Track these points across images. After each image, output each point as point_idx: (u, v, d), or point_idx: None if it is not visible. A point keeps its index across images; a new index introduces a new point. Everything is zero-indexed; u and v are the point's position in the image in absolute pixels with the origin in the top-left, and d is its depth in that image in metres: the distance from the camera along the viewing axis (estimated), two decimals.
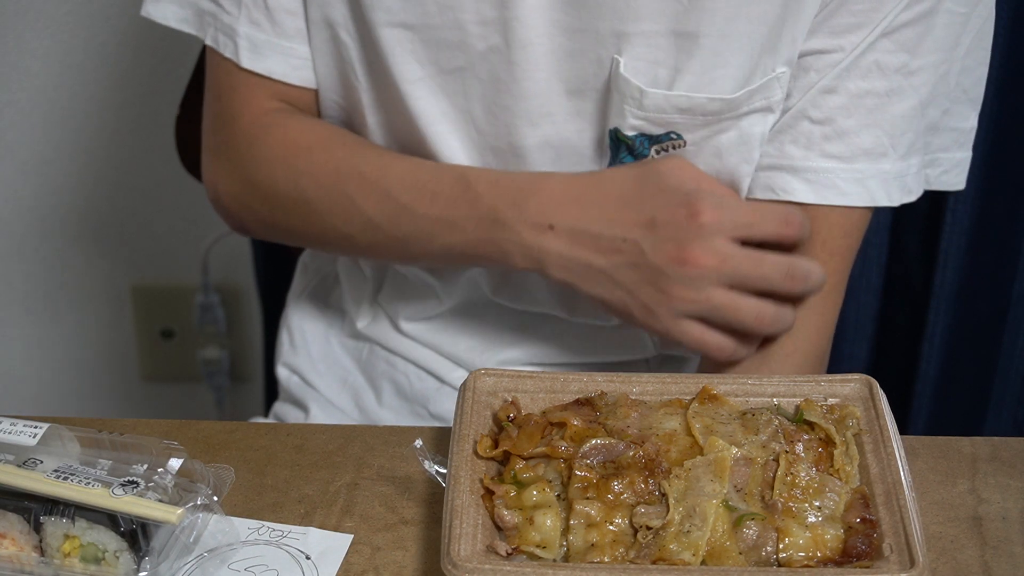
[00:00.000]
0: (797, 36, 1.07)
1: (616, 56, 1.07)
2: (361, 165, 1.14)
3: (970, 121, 1.17)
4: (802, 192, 1.11)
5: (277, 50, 1.16)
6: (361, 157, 1.15)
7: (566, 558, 0.84)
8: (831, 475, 0.87)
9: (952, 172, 1.18)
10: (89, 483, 0.86)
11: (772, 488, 0.86)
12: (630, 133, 1.09)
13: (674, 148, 1.10)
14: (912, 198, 1.14)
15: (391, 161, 1.14)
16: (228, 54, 1.17)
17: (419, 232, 1.12)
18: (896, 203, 1.13)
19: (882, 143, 1.10)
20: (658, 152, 1.11)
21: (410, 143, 1.16)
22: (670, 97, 1.07)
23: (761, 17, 1.05)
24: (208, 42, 1.18)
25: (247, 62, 1.17)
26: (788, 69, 1.08)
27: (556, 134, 1.12)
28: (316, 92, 1.20)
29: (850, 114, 1.09)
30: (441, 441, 0.99)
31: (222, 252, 2.03)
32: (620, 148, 1.11)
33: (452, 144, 1.14)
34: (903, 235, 1.54)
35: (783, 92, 1.09)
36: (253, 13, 1.15)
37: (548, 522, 0.84)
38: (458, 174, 1.11)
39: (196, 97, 1.45)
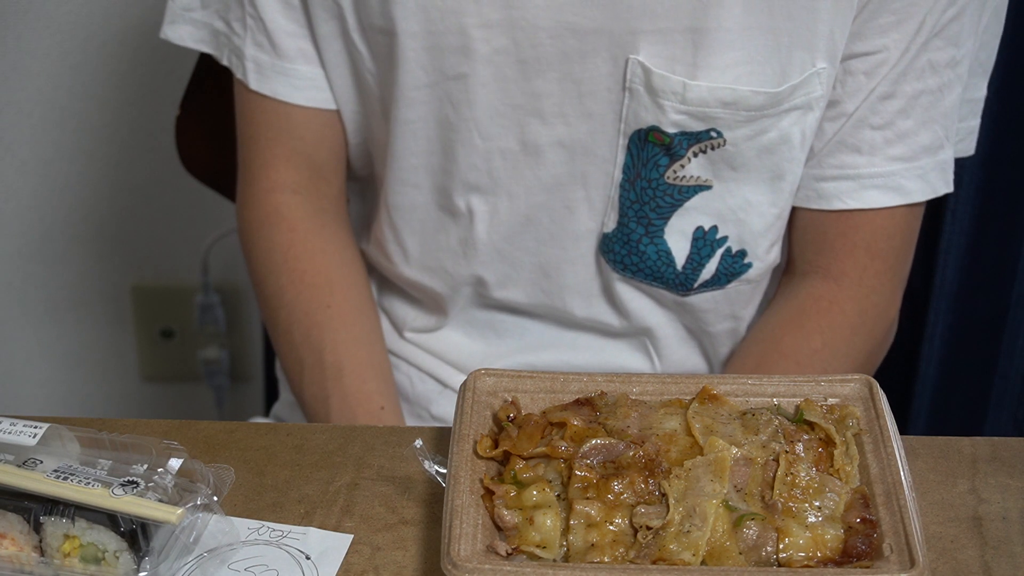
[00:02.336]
0: (836, 31, 1.06)
1: (632, 55, 1.06)
2: (325, 352, 1.19)
3: (982, 90, 1.19)
4: (871, 198, 1.13)
5: (280, 71, 1.18)
6: (331, 340, 1.19)
7: (566, 558, 0.84)
8: (831, 475, 0.87)
9: (966, 140, 1.21)
10: (89, 483, 0.86)
11: (772, 488, 0.86)
12: (671, 131, 1.09)
13: (713, 148, 1.10)
14: (953, 175, 1.16)
15: (349, 371, 1.18)
16: (239, 76, 1.19)
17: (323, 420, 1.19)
18: (951, 187, 1.15)
19: (938, 136, 1.12)
20: (696, 154, 1.10)
21: (416, 151, 1.16)
22: (715, 90, 1.06)
23: (784, 10, 1.05)
24: (224, 62, 1.20)
25: (254, 84, 1.19)
26: (829, 66, 1.08)
27: (569, 135, 1.11)
28: (328, 114, 1.20)
29: (908, 116, 1.10)
30: (441, 441, 0.99)
31: (222, 252, 2.03)
32: (649, 151, 1.10)
33: (458, 151, 1.14)
34: None
35: (823, 89, 1.09)
36: (256, 36, 1.17)
37: (548, 522, 0.84)
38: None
39: (196, 97, 1.46)
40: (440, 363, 1.27)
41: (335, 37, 1.15)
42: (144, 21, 1.21)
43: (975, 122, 1.20)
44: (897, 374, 1.60)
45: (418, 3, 1.08)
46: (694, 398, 0.93)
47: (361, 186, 1.31)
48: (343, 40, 1.15)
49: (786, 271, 1.23)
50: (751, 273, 1.18)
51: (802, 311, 1.18)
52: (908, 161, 1.12)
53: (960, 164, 1.21)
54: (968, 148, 1.21)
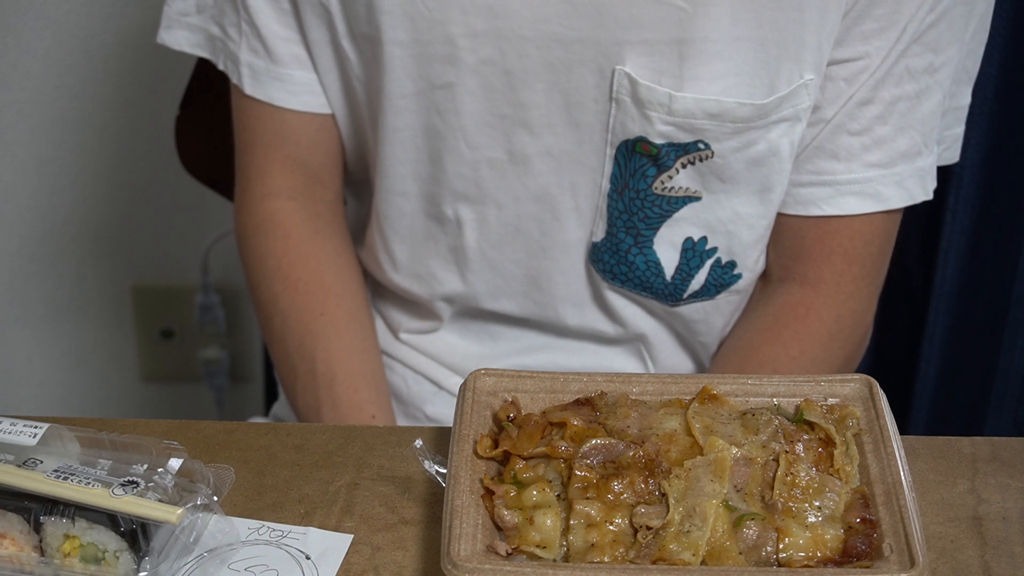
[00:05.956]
0: (823, 42, 1.06)
1: (618, 66, 1.06)
2: (318, 360, 1.18)
3: (967, 98, 1.18)
4: (848, 205, 1.12)
5: (275, 77, 1.18)
6: (324, 349, 1.19)
7: (566, 558, 0.84)
8: (831, 475, 0.87)
9: (952, 148, 1.20)
10: (89, 483, 0.86)
11: (772, 488, 0.86)
12: (659, 142, 1.08)
13: (701, 160, 1.09)
14: (935, 183, 1.15)
15: (341, 379, 1.18)
16: (235, 81, 1.19)
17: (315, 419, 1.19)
18: (930, 195, 1.14)
19: (916, 143, 1.11)
20: (684, 166, 1.10)
21: (403, 160, 1.16)
22: (701, 101, 1.06)
23: (772, 21, 1.04)
24: (220, 67, 1.20)
25: (249, 89, 1.19)
26: (816, 76, 1.07)
27: (556, 144, 1.11)
28: (323, 119, 1.20)
29: (885, 121, 1.10)
30: (441, 441, 0.99)
31: (222, 252, 2.03)
32: (636, 161, 1.10)
33: (445, 160, 1.14)
34: (903, 235, 1.54)
35: (810, 101, 1.08)
36: (251, 41, 1.17)
37: (548, 522, 0.84)
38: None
39: (196, 97, 1.46)
40: (435, 364, 1.27)
41: (326, 44, 1.15)
42: (144, 21, 1.21)
43: (960, 129, 1.19)
44: (897, 374, 1.60)
45: (405, 11, 1.08)
46: (694, 398, 0.93)
47: (357, 190, 1.31)
48: (333, 47, 1.15)
49: (762, 276, 1.22)
50: (741, 284, 1.18)
51: (779, 318, 1.17)
52: (885, 167, 1.11)
53: (960, 165, 1.21)
54: (953, 156, 1.20)
